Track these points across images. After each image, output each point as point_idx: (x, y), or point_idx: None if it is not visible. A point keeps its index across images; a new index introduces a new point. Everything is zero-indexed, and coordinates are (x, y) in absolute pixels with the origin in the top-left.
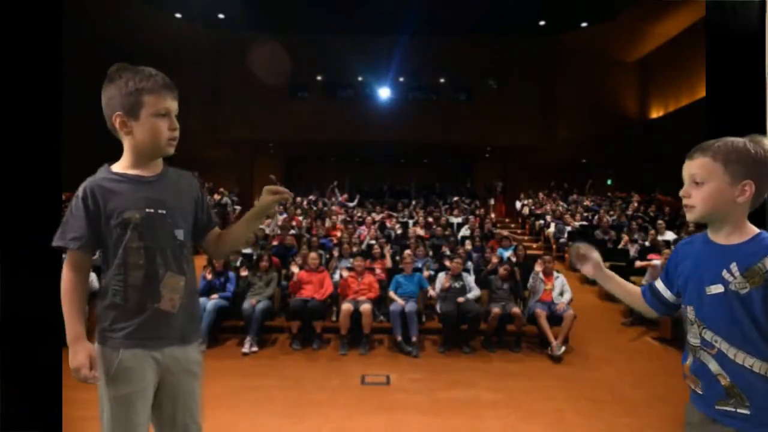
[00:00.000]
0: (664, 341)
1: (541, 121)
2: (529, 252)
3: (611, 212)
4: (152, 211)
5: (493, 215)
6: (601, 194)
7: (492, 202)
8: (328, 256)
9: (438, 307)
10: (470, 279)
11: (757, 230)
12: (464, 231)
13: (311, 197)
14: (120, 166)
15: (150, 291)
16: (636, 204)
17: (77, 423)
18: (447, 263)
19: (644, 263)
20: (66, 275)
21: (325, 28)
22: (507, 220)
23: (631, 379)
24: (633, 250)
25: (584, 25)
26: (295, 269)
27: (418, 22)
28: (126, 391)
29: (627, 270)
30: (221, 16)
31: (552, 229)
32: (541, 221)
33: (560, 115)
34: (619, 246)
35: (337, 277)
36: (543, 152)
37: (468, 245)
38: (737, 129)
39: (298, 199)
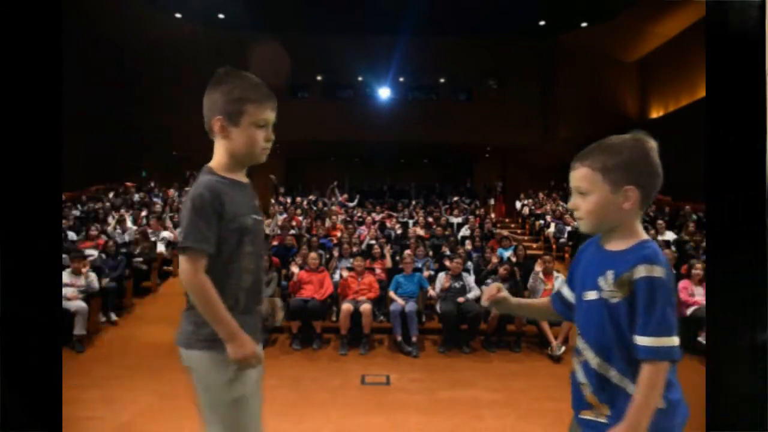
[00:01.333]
0: None
1: (541, 121)
2: (529, 252)
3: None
4: (257, 217)
5: (493, 215)
6: None
7: (492, 202)
8: (328, 256)
9: (438, 307)
10: (470, 279)
11: (643, 238)
12: (464, 231)
13: (311, 197)
14: (221, 170)
15: (257, 295)
16: None
17: (77, 423)
18: (447, 263)
19: None
20: (199, 279)
21: (325, 28)
22: (507, 220)
23: None
24: None
25: (584, 25)
26: (295, 269)
27: (418, 22)
28: (242, 393)
29: None
30: (221, 16)
31: (552, 229)
32: (541, 221)
33: (560, 115)
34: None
35: (337, 277)
36: (543, 152)
37: (468, 245)
38: (737, 129)
39: (298, 199)
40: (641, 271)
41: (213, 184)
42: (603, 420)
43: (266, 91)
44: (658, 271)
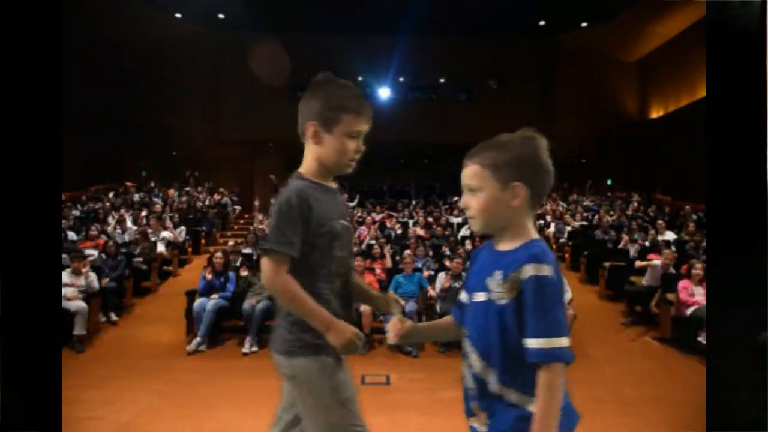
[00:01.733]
0: (664, 341)
1: (541, 121)
2: None
3: (611, 212)
4: (345, 222)
5: None
6: (601, 194)
7: None
8: None
9: (438, 307)
10: None
11: (532, 237)
12: (464, 231)
13: None
14: (312, 175)
15: (348, 299)
16: (636, 204)
17: (77, 423)
18: (447, 263)
19: (644, 263)
20: (281, 279)
21: (325, 28)
22: None
23: (631, 379)
24: (633, 250)
25: (584, 25)
26: None
27: (418, 22)
28: (348, 394)
29: (627, 270)
30: (221, 16)
31: (552, 229)
32: (541, 221)
33: (560, 115)
34: (619, 246)
35: None
36: None
37: (468, 245)
38: (737, 129)
39: None
40: (529, 271)
41: (302, 189)
42: (484, 429)
43: (364, 103)
44: (546, 270)
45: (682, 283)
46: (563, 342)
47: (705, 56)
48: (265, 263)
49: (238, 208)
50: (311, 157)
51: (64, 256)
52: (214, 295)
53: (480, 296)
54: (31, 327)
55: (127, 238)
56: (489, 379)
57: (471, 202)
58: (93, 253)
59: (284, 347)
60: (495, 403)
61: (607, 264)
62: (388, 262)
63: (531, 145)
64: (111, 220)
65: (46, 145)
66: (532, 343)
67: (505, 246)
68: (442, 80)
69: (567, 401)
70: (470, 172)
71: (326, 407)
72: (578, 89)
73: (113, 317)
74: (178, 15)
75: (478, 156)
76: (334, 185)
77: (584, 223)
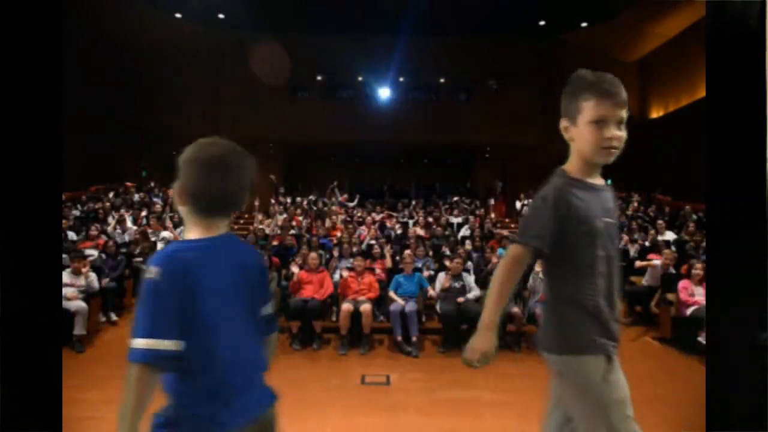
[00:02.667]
0: (664, 341)
1: (541, 121)
2: None
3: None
4: (609, 220)
5: (493, 215)
6: None
7: (492, 202)
8: (328, 256)
9: (438, 307)
10: (470, 279)
11: (181, 238)
12: (464, 231)
13: (311, 197)
14: (573, 172)
15: (611, 299)
16: (636, 204)
17: (77, 423)
18: (447, 263)
19: (644, 263)
20: (508, 266)
21: (325, 28)
22: (507, 220)
23: (631, 379)
24: (633, 250)
25: (584, 25)
26: (295, 269)
27: (418, 22)
28: (620, 396)
29: (627, 270)
30: (221, 16)
31: None
32: None
33: (560, 115)
34: (619, 246)
35: (337, 277)
36: (543, 152)
37: (468, 245)
38: (737, 129)
39: (298, 199)
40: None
41: (560, 185)
42: None
43: (604, 87)
44: (152, 273)
45: (682, 283)
46: (139, 343)
47: (705, 56)
48: (509, 249)
49: None
50: (572, 153)
51: (64, 256)
52: None
53: None
54: (31, 327)
55: (127, 238)
56: None
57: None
58: (93, 253)
59: (555, 345)
60: None
61: None
62: (388, 262)
63: (186, 157)
64: (111, 220)
65: (46, 145)
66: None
67: (598, 181)
68: (442, 80)
69: (197, 411)
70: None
71: (600, 406)
72: None
73: (113, 317)
74: (178, 15)
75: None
76: (599, 182)
77: None
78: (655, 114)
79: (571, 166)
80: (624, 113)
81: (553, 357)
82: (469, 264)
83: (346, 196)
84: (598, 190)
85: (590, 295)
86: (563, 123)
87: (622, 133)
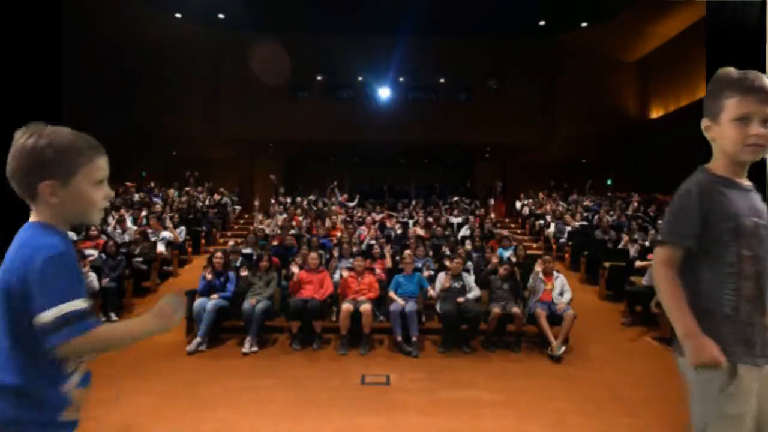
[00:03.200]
0: (664, 341)
1: (541, 121)
2: (529, 252)
3: (611, 212)
4: (759, 220)
5: (493, 215)
6: (601, 194)
7: (492, 202)
8: (328, 256)
9: (438, 307)
10: (470, 279)
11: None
12: (464, 231)
13: (311, 197)
14: (716, 169)
15: (758, 303)
16: (636, 204)
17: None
18: (447, 263)
19: (644, 263)
20: (663, 271)
21: (325, 28)
22: (507, 220)
23: (631, 379)
24: (633, 250)
25: (584, 25)
26: (295, 269)
27: (418, 22)
28: (741, 411)
29: (627, 270)
30: (221, 16)
31: (552, 229)
32: (541, 221)
33: (560, 115)
34: (619, 246)
35: (337, 277)
36: (543, 152)
37: (468, 245)
38: None
39: (298, 199)
40: None
41: (702, 181)
42: None
43: (747, 84)
44: None
45: None
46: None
47: (705, 56)
48: (655, 253)
49: (238, 208)
50: (715, 153)
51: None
52: (214, 295)
53: None
54: None
55: (127, 238)
56: None
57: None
58: (93, 253)
59: (680, 346)
60: None
61: (607, 264)
62: (388, 262)
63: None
64: (111, 220)
65: None
66: None
67: (746, 181)
68: (442, 80)
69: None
70: None
71: (710, 417)
72: (578, 89)
73: (113, 317)
74: (178, 15)
75: None
76: (744, 182)
77: (584, 223)
78: (655, 114)
79: (715, 164)
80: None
81: (679, 359)
82: (469, 264)
83: (346, 196)
84: (746, 190)
85: (730, 297)
86: (704, 122)
87: (765, 131)
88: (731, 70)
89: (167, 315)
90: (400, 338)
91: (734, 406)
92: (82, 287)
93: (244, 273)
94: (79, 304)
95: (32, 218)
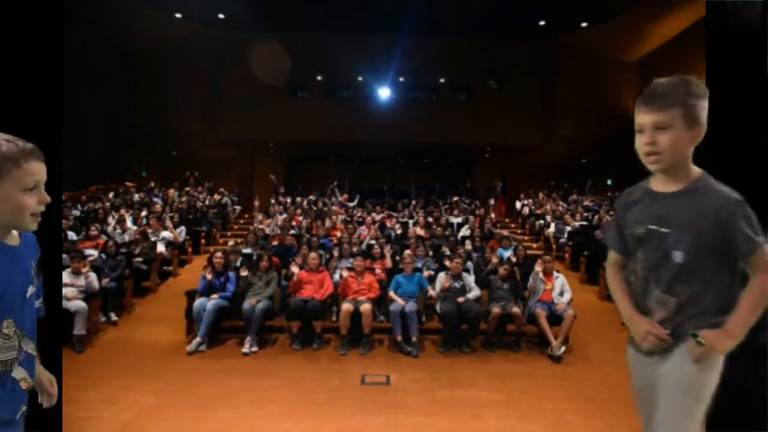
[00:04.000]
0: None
1: (541, 121)
2: (529, 252)
3: (611, 212)
4: (653, 227)
5: (493, 215)
6: (601, 194)
7: (492, 202)
8: (328, 256)
9: (438, 307)
10: (470, 279)
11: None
12: (464, 231)
13: (311, 197)
14: (653, 179)
15: (641, 304)
16: None
17: (77, 423)
18: (447, 263)
19: None
20: (609, 271)
21: (325, 28)
22: (507, 220)
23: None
24: None
25: (584, 25)
26: (295, 269)
27: (418, 22)
28: (632, 384)
29: None
30: (221, 16)
31: (552, 229)
32: (541, 221)
33: (560, 115)
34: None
35: (337, 277)
36: (543, 152)
37: (468, 245)
38: (737, 129)
39: (298, 199)
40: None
41: (623, 195)
42: None
43: (641, 97)
44: None
45: None
46: None
47: (705, 56)
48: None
49: (238, 208)
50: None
51: (64, 256)
52: (214, 295)
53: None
54: None
55: (127, 238)
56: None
57: (661, 139)
58: (93, 253)
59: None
60: None
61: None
62: (388, 262)
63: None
64: (111, 220)
65: (46, 145)
66: None
67: (670, 187)
68: (442, 80)
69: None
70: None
71: (700, 401)
72: (578, 89)
73: (113, 317)
74: (178, 15)
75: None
76: (667, 189)
77: (584, 223)
78: None
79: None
80: (657, 118)
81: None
82: (469, 264)
83: (346, 196)
84: (662, 197)
85: (635, 293)
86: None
87: (659, 138)
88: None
89: None
90: (400, 338)
91: (633, 380)
92: None
93: (244, 273)
94: None
95: None
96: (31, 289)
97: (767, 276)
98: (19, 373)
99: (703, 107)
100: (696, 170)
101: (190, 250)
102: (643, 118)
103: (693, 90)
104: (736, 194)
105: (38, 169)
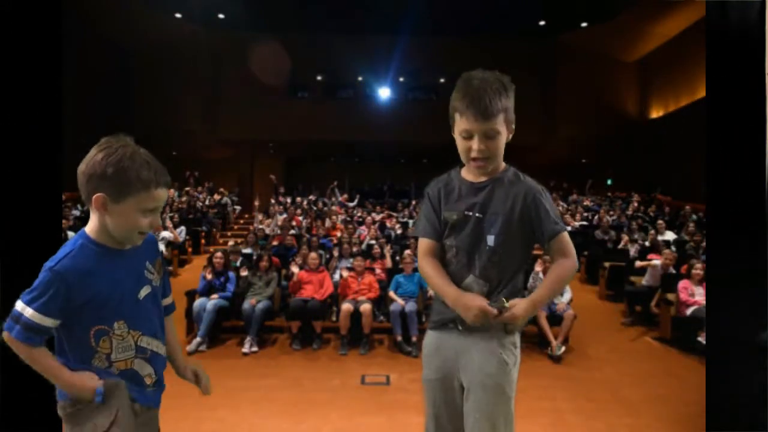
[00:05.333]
0: (664, 341)
1: (541, 121)
2: None
3: (611, 212)
4: (469, 214)
5: None
6: (601, 194)
7: None
8: (328, 256)
9: None
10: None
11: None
12: None
13: (311, 197)
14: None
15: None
16: (636, 204)
17: None
18: None
19: (644, 263)
20: (423, 259)
21: (325, 28)
22: None
23: (631, 379)
24: (633, 250)
25: (584, 25)
26: (295, 269)
27: (418, 22)
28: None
29: (627, 270)
30: (221, 16)
31: None
32: None
33: (560, 115)
34: (619, 246)
35: (337, 277)
36: (543, 152)
37: None
38: (737, 129)
39: (298, 199)
40: None
41: (436, 182)
42: None
43: (466, 102)
44: None
45: (682, 283)
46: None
47: (705, 56)
48: (419, 246)
49: (238, 208)
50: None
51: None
52: (214, 295)
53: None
54: None
55: None
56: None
57: (490, 145)
58: None
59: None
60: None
61: (607, 264)
62: (388, 262)
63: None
64: None
65: (46, 146)
66: None
67: (482, 177)
68: (442, 80)
69: None
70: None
71: (510, 399)
72: (578, 89)
73: None
74: (178, 15)
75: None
76: (478, 180)
77: (584, 223)
78: (655, 114)
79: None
80: (486, 126)
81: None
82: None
83: (346, 196)
84: (478, 188)
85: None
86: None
87: (488, 144)
88: (461, 83)
89: (81, 388)
90: (400, 338)
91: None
92: (55, 308)
93: (244, 273)
94: (36, 316)
95: (86, 227)
96: (145, 290)
97: (567, 260)
98: (143, 369)
99: (512, 104)
100: (503, 163)
101: (190, 250)
102: (471, 125)
103: (509, 93)
104: (539, 185)
105: (162, 196)
